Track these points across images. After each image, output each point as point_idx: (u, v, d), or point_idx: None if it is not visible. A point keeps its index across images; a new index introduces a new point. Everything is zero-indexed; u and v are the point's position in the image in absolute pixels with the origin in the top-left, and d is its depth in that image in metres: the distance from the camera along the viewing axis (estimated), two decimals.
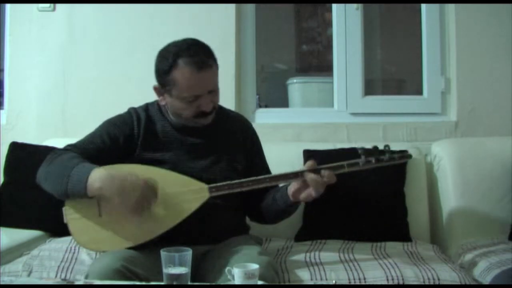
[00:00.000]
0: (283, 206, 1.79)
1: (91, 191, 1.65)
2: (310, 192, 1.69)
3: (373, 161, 1.73)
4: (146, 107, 1.92)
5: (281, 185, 1.83)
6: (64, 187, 1.68)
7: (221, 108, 1.97)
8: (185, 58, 1.72)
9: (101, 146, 1.81)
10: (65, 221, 1.72)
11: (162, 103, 1.86)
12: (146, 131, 1.85)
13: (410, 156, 1.78)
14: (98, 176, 1.64)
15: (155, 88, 1.84)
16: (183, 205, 1.71)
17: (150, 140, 1.85)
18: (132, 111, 1.89)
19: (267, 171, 1.96)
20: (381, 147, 1.73)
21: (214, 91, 1.79)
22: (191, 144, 1.86)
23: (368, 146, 1.75)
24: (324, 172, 1.68)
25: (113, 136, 1.83)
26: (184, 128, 1.86)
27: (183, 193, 1.72)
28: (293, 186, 1.73)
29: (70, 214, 1.72)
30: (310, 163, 1.72)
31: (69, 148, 1.81)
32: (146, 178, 1.66)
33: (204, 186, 1.73)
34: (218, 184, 1.73)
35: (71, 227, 1.72)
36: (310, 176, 1.68)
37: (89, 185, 1.64)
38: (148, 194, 1.66)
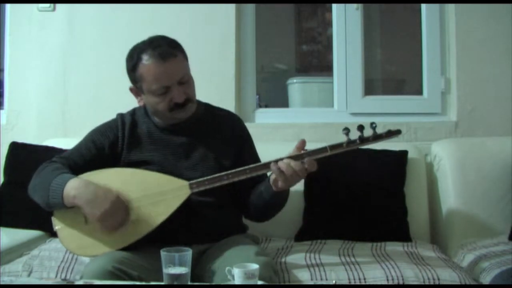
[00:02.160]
0: (268, 197, 1.76)
1: (67, 201, 1.67)
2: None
3: (358, 140, 1.65)
4: (133, 111, 1.94)
5: (269, 174, 1.79)
6: (46, 199, 1.72)
7: (208, 106, 1.98)
8: (148, 51, 1.76)
9: (87, 155, 1.84)
10: (54, 229, 1.77)
11: (141, 103, 1.88)
12: (131, 134, 1.87)
13: (399, 132, 1.68)
14: (73, 185, 1.67)
15: (131, 89, 1.87)
16: (165, 203, 1.72)
17: (136, 143, 1.86)
18: (118, 117, 1.92)
19: None
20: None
21: (185, 83, 1.79)
22: (177, 143, 1.86)
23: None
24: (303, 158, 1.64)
25: (99, 144, 1.86)
26: (169, 128, 1.87)
27: (164, 192, 1.73)
28: (273, 174, 1.70)
29: (58, 223, 1.76)
30: (295, 148, 1.68)
31: (56, 160, 1.83)
32: (120, 194, 1.68)
33: (185, 183, 1.74)
34: (199, 179, 1.73)
35: (59, 235, 1.76)
36: (283, 162, 1.64)
37: (65, 196, 1.67)
38: (117, 208, 1.66)
